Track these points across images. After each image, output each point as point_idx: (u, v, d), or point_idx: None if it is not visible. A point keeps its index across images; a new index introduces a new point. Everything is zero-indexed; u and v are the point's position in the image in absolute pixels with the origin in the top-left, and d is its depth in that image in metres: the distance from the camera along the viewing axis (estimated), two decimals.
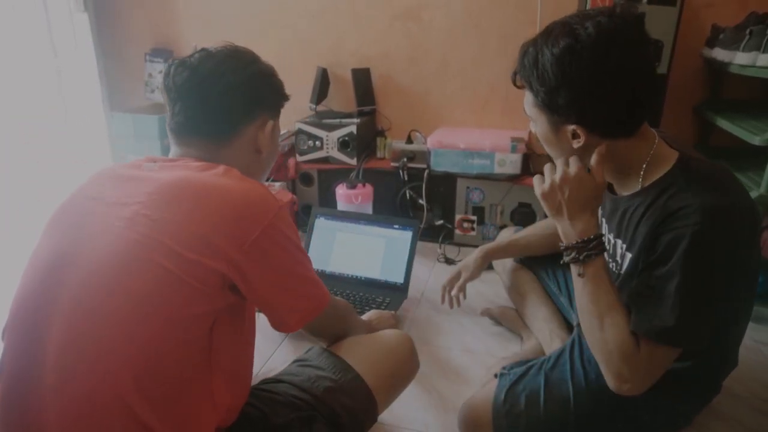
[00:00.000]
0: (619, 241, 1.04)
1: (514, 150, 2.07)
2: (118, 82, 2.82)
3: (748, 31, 1.66)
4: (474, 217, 2.23)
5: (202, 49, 0.94)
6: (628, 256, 1.00)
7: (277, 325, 0.88)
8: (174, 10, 2.63)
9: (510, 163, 2.09)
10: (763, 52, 1.58)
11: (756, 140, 1.51)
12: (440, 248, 2.17)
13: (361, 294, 1.70)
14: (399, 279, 1.75)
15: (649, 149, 0.96)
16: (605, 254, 1.05)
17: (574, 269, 0.96)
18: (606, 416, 1.05)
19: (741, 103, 2.02)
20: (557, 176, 0.96)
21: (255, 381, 0.98)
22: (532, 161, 2.21)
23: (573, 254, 0.95)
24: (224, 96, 0.91)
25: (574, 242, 0.95)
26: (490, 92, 2.37)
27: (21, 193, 2.41)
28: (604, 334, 0.92)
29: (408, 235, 1.76)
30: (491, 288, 1.82)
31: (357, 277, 1.79)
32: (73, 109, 2.70)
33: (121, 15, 2.70)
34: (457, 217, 2.24)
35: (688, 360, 0.99)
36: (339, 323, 1.04)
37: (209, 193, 0.80)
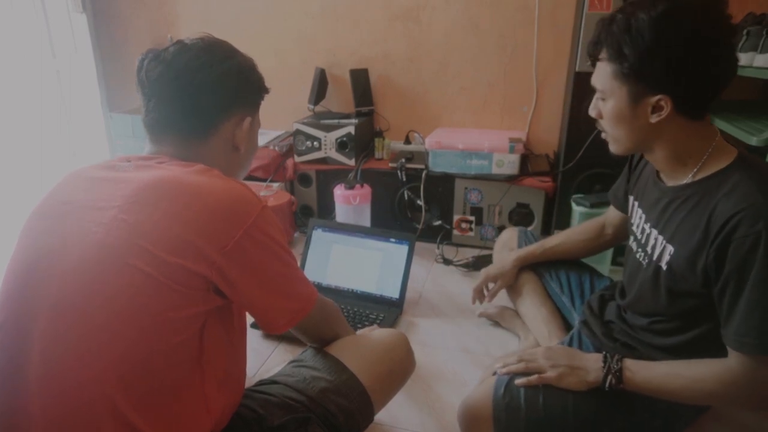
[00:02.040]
0: (655, 231, 1.02)
1: (512, 150, 2.07)
2: (116, 83, 2.82)
3: (744, 32, 1.66)
4: (472, 218, 2.22)
5: (177, 42, 0.90)
6: (669, 248, 0.98)
7: (265, 326, 0.87)
8: (172, 11, 2.63)
9: (508, 163, 2.09)
10: (760, 52, 1.58)
11: (753, 141, 1.51)
12: (438, 249, 2.17)
13: (355, 309, 1.69)
14: (394, 294, 1.74)
15: (712, 140, 0.95)
16: (636, 246, 1.06)
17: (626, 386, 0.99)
18: (605, 412, 1.05)
19: (738, 103, 2.02)
20: (541, 360, 1.05)
21: (252, 382, 0.98)
22: (530, 162, 2.21)
23: (610, 380, 0.99)
24: (199, 92, 0.87)
25: (603, 374, 0.99)
26: (488, 93, 2.37)
27: (20, 195, 2.41)
28: (699, 385, 0.93)
29: (404, 249, 1.75)
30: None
31: (353, 290, 1.78)
32: (72, 109, 2.70)
33: (120, 15, 2.70)
34: (456, 217, 2.24)
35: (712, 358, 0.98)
36: (327, 324, 1.02)
37: (188, 194, 0.78)
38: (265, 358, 1.52)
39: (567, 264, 1.50)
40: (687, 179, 0.97)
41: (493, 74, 2.33)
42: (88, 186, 0.82)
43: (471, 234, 2.25)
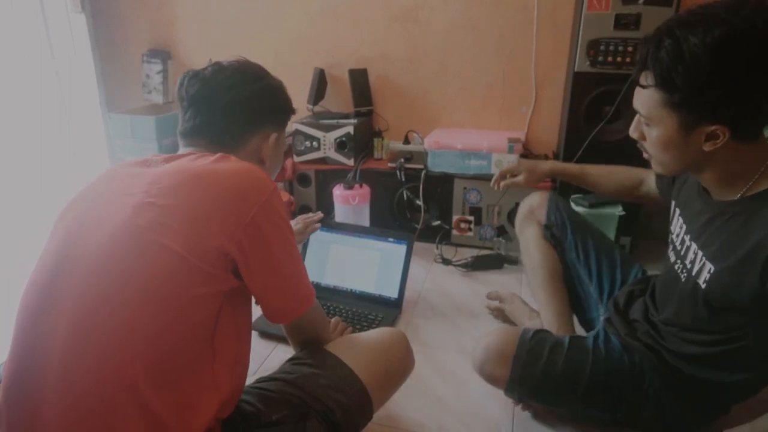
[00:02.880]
0: (695, 246, 0.98)
1: (511, 151, 2.08)
2: (115, 83, 2.83)
3: None
4: (471, 218, 2.23)
5: (215, 63, 1.01)
6: (709, 266, 0.94)
7: (271, 308, 0.90)
8: (171, 11, 2.63)
9: (507, 163, 2.09)
10: None
11: None
12: (437, 249, 2.17)
13: (354, 309, 1.69)
14: (393, 294, 1.73)
15: (765, 160, 0.90)
16: (674, 257, 1.03)
17: None
18: (615, 393, 1.07)
19: None
20: None
21: (251, 380, 0.98)
22: None
23: None
24: (231, 108, 0.97)
25: None
26: (487, 93, 2.37)
27: (20, 195, 2.41)
28: None
29: (402, 248, 1.75)
30: (489, 289, 1.82)
31: (352, 290, 1.78)
32: (71, 110, 2.70)
33: (119, 16, 2.70)
34: (455, 217, 2.24)
35: (741, 373, 0.95)
36: (322, 324, 1.06)
37: (208, 177, 0.83)
38: (263, 358, 1.52)
39: (597, 243, 1.39)
40: (736, 196, 0.92)
41: (492, 74, 2.34)
42: (120, 179, 0.88)
43: (470, 234, 2.25)
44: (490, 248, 2.19)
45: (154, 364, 0.74)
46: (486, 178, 2.13)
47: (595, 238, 1.42)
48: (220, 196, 0.81)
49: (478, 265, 2.06)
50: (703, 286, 0.95)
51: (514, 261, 2.11)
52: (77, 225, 0.83)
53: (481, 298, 1.79)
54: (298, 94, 2.40)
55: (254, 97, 0.99)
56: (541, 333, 1.12)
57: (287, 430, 0.86)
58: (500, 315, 1.71)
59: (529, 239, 1.49)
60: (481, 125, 2.42)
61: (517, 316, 1.64)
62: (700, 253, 0.97)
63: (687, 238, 1.02)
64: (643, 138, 0.97)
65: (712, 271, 0.93)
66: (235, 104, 0.97)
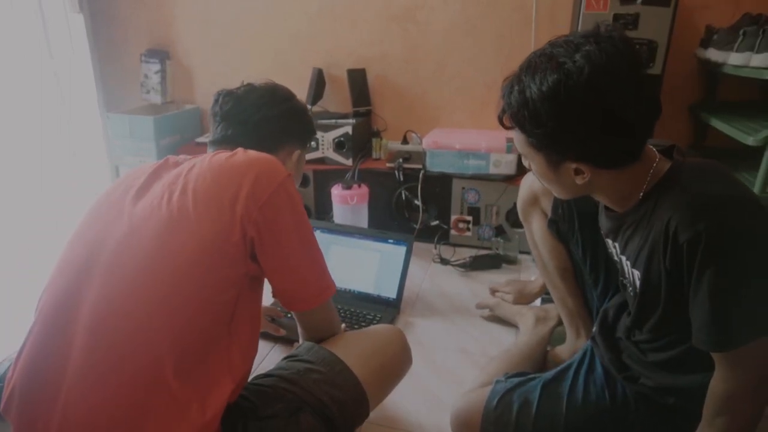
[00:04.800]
0: (624, 258, 1.00)
1: (509, 150, 2.07)
2: (114, 83, 2.82)
3: (741, 32, 1.67)
4: (470, 218, 2.22)
5: (248, 84, 1.12)
6: (636, 273, 0.95)
7: (284, 294, 0.93)
8: (169, 11, 2.63)
9: (505, 163, 2.09)
10: (757, 52, 1.58)
11: (749, 140, 1.51)
12: (436, 249, 2.17)
13: (352, 309, 1.69)
14: (392, 294, 1.74)
15: (650, 166, 0.91)
16: (621, 276, 1.02)
17: None
18: None
19: (736, 103, 2.02)
20: None
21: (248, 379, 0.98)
22: None
23: None
24: (261, 125, 1.06)
25: None
26: (486, 93, 2.37)
27: (20, 195, 2.40)
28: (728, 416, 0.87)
29: (402, 250, 1.76)
30: (488, 290, 1.82)
31: (351, 291, 1.78)
32: (70, 110, 2.70)
33: (117, 16, 2.70)
34: (453, 217, 2.24)
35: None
36: (335, 316, 1.06)
37: (228, 166, 0.89)
38: (261, 358, 1.51)
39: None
40: (635, 203, 0.94)
41: (491, 75, 2.34)
42: (147, 175, 0.93)
43: (468, 234, 2.25)
44: (489, 248, 2.19)
45: (180, 347, 0.77)
46: (485, 178, 2.13)
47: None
48: (239, 181, 0.86)
49: (476, 265, 2.06)
50: (640, 292, 0.96)
51: (513, 261, 2.11)
52: (106, 220, 0.88)
53: (480, 298, 1.79)
54: (297, 94, 2.40)
55: (282, 116, 1.09)
56: (506, 397, 1.08)
57: (281, 423, 0.87)
58: (494, 318, 1.72)
59: (535, 231, 1.41)
60: (479, 125, 2.42)
61: (509, 318, 1.66)
62: (628, 264, 0.99)
63: (618, 253, 1.03)
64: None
65: (639, 277, 0.95)
66: (265, 122, 1.06)
